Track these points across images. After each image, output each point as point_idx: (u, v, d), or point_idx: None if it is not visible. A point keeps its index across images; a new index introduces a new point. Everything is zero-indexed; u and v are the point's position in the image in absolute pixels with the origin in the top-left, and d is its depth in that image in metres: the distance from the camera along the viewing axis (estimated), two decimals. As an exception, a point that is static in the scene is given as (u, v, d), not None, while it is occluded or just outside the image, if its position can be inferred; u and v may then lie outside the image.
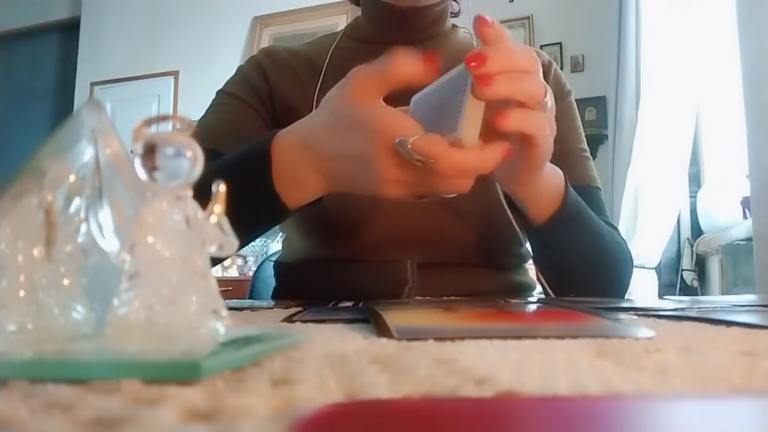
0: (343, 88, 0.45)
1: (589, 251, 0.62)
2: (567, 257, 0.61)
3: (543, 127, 0.44)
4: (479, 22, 0.42)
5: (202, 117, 0.75)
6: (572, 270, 0.63)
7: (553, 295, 0.63)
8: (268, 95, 0.75)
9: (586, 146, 0.76)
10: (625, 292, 0.70)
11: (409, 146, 0.40)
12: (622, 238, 0.71)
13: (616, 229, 0.71)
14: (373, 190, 0.44)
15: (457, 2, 0.81)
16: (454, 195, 0.45)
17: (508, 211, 0.63)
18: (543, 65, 0.78)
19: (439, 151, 0.40)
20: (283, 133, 0.51)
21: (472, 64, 0.39)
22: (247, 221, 0.55)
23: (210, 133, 0.69)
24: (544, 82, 0.43)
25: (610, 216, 0.76)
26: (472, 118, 0.40)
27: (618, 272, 0.67)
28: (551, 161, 0.70)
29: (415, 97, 0.47)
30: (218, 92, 0.77)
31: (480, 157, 0.41)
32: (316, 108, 0.49)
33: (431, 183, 0.43)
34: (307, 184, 0.49)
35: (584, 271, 0.62)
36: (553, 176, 0.56)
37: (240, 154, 0.54)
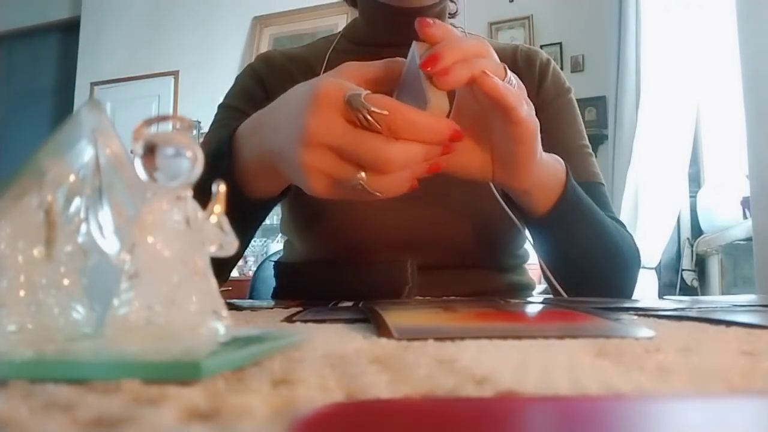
0: (327, 75, 0.44)
1: (595, 240, 0.61)
2: (573, 247, 0.61)
3: (517, 97, 0.43)
4: (420, 24, 0.42)
5: (207, 133, 0.76)
6: (579, 260, 0.62)
7: (561, 291, 0.63)
8: (266, 102, 0.75)
9: (587, 142, 0.76)
10: (634, 285, 0.69)
11: (363, 98, 0.38)
12: (629, 233, 0.70)
13: (622, 224, 0.71)
14: (299, 181, 0.42)
15: (454, 3, 0.81)
16: (383, 197, 0.42)
17: (507, 209, 0.63)
18: (542, 63, 0.78)
19: (393, 104, 0.39)
20: (242, 124, 0.51)
21: (428, 69, 0.39)
22: (235, 217, 0.56)
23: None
24: (503, 64, 0.44)
25: (611, 214, 0.75)
26: (437, 95, 0.40)
27: (624, 263, 0.67)
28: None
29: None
30: (219, 106, 0.77)
31: (432, 119, 0.39)
32: None
33: (368, 157, 0.39)
34: (258, 172, 0.50)
35: (591, 262, 0.62)
36: (552, 164, 0.56)
37: (209, 155, 0.54)
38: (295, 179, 0.44)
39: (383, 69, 0.43)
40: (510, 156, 0.48)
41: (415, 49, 0.42)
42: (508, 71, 0.44)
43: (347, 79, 0.42)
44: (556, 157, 0.56)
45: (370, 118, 0.38)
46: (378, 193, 0.41)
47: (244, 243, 0.63)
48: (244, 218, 0.56)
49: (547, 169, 0.54)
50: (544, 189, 0.55)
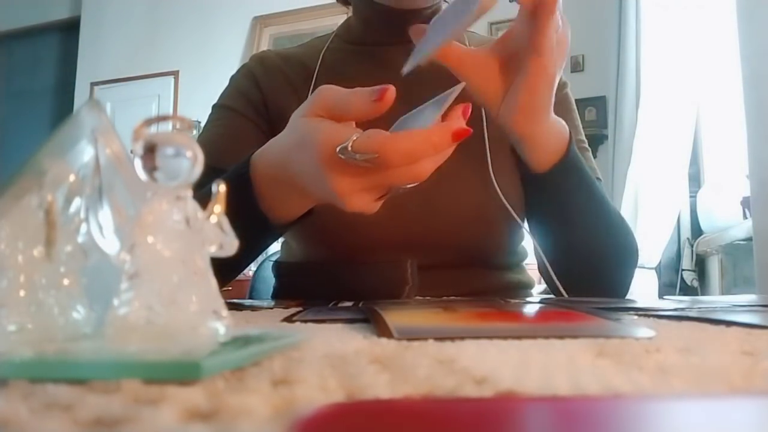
0: (306, 105, 0.45)
1: (594, 209, 0.62)
2: (571, 213, 0.61)
3: (551, 40, 0.46)
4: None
5: (201, 134, 0.75)
6: (576, 230, 0.62)
7: (560, 287, 0.63)
8: (262, 103, 0.74)
9: (583, 137, 0.76)
10: (632, 269, 0.68)
11: (350, 148, 0.39)
12: (628, 226, 0.70)
13: (621, 217, 0.71)
14: (340, 205, 0.44)
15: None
16: (414, 184, 0.43)
17: (506, 203, 0.63)
18: None
19: (378, 142, 0.39)
20: (256, 155, 0.51)
21: None
22: (249, 240, 0.56)
23: (209, 149, 0.69)
24: (563, 16, 0.47)
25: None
26: (429, 118, 0.40)
27: (623, 243, 0.66)
28: None
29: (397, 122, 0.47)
30: (213, 107, 0.76)
31: (425, 137, 0.39)
32: None
33: (387, 179, 0.41)
34: (287, 201, 0.50)
35: (587, 232, 0.62)
36: (557, 125, 0.57)
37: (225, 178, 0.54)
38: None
39: (345, 104, 0.43)
40: (525, 93, 0.50)
41: (441, 102, 0.41)
42: (563, 21, 0.46)
43: (318, 111, 0.43)
44: (562, 121, 0.57)
45: (365, 164, 0.39)
46: (415, 183, 0.43)
47: (251, 260, 0.64)
48: (267, 240, 0.59)
49: (554, 124, 0.55)
50: (548, 143, 0.56)
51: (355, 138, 0.39)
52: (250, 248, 0.60)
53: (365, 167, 0.40)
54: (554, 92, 0.51)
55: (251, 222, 0.52)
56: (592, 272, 0.63)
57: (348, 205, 0.43)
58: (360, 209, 0.44)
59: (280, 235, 0.58)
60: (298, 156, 0.45)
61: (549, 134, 0.56)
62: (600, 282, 0.64)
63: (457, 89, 0.41)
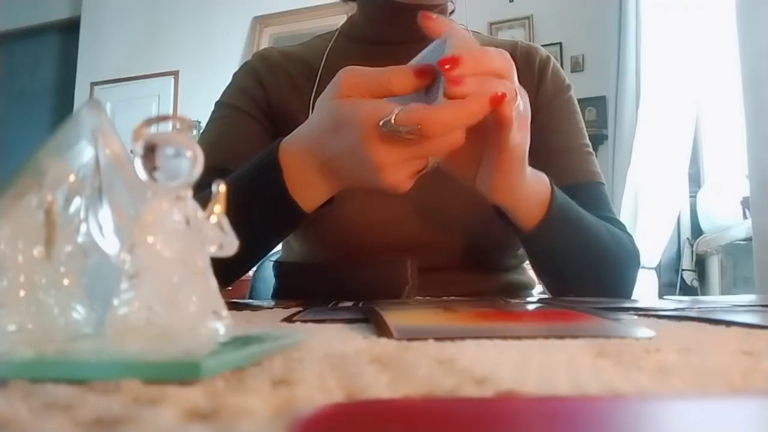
0: (332, 88, 0.45)
1: (583, 255, 0.62)
2: (560, 262, 0.61)
3: (512, 127, 0.44)
4: (423, 17, 0.43)
5: (204, 132, 0.75)
6: (567, 274, 0.63)
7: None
8: (265, 101, 0.74)
9: (587, 141, 0.76)
10: (631, 288, 0.69)
11: (393, 121, 0.40)
12: (628, 233, 0.70)
13: (621, 224, 0.71)
14: (375, 182, 0.45)
15: (452, 2, 0.80)
16: (445, 159, 0.45)
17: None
18: (541, 60, 0.78)
19: (422, 114, 0.40)
20: (286, 141, 0.51)
21: (446, 66, 0.40)
22: (266, 232, 0.57)
23: (213, 148, 0.69)
24: (520, 87, 0.44)
25: (611, 214, 0.75)
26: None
27: (617, 272, 0.67)
28: (554, 155, 0.70)
29: None
30: (216, 104, 0.76)
31: (462, 108, 0.41)
32: (312, 111, 0.50)
33: (426, 149, 0.43)
34: (317, 185, 0.50)
35: (579, 275, 0.62)
36: (537, 182, 0.55)
37: (248, 169, 0.55)
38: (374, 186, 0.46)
39: (382, 80, 0.43)
40: (496, 175, 0.49)
41: (443, 42, 0.42)
42: (523, 95, 0.45)
43: (348, 91, 0.44)
44: (541, 174, 0.56)
45: (408, 136, 0.41)
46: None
47: (264, 254, 0.64)
48: (288, 230, 0.59)
49: (533, 183, 0.54)
50: (528, 205, 0.55)
51: (397, 111, 0.40)
52: (265, 241, 0.60)
53: (406, 139, 0.41)
54: (526, 162, 0.49)
55: (277, 210, 0.52)
56: (585, 288, 0.63)
57: (385, 179, 0.44)
58: (395, 184, 0.45)
59: (299, 225, 0.57)
60: (332, 139, 0.46)
61: (528, 198, 0.55)
62: (600, 294, 0.64)
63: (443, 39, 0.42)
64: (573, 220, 0.60)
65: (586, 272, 0.62)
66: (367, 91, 0.44)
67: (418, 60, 0.45)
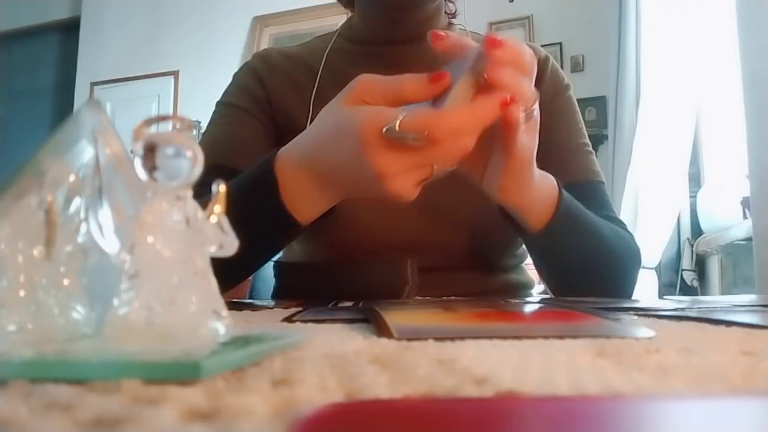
0: (343, 94, 0.45)
1: (589, 255, 0.62)
2: (567, 263, 0.61)
3: (529, 127, 0.44)
4: (433, 37, 0.43)
5: (205, 131, 0.75)
6: (573, 275, 0.63)
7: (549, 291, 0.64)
8: (266, 101, 0.74)
9: (587, 140, 0.76)
10: (633, 288, 0.69)
11: (398, 128, 0.39)
12: (629, 232, 0.70)
13: (622, 223, 0.71)
14: (379, 191, 0.43)
15: (452, 3, 0.80)
16: (455, 166, 0.44)
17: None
18: (540, 60, 0.78)
19: (429, 118, 0.39)
20: (284, 151, 0.51)
21: (492, 45, 0.40)
22: (262, 244, 0.56)
23: (216, 147, 0.69)
24: (536, 92, 0.44)
25: (612, 213, 0.75)
26: (460, 95, 0.40)
27: (622, 271, 0.67)
28: (554, 155, 0.70)
29: None
30: (218, 104, 0.76)
31: (471, 111, 0.40)
32: (312, 112, 0.49)
33: (432, 156, 0.41)
34: (315, 198, 0.49)
35: (585, 275, 0.62)
36: (545, 183, 0.55)
37: (244, 179, 0.54)
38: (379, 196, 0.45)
39: (397, 87, 0.43)
40: (504, 178, 0.49)
41: (465, 60, 0.42)
42: (537, 100, 0.44)
43: (362, 98, 0.43)
44: (548, 175, 0.56)
45: (414, 142, 0.39)
46: (453, 166, 0.44)
47: (261, 263, 0.63)
48: (284, 241, 0.58)
49: (541, 184, 0.54)
50: (535, 209, 0.55)
51: (402, 117, 0.39)
52: (263, 250, 0.59)
53: (411, 146, 0.40)
54: (534, 164, 0.49)
55: (272, 222, 0.51)
56: (589, 289, 0.63)
57: (389, 188, 0.42)
58: (400, 193, 0.43)
59: (296, 236, 0.56)
60: (333, 147, 0.44)
61: (536, 200, 0.54)
62: (598, 293, 0.64)
63: (476, 51, 0.41)
64: (580, 221, 0.60)
65: (591, 272, 0.62)
66: (381, 98, 0.43)
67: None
